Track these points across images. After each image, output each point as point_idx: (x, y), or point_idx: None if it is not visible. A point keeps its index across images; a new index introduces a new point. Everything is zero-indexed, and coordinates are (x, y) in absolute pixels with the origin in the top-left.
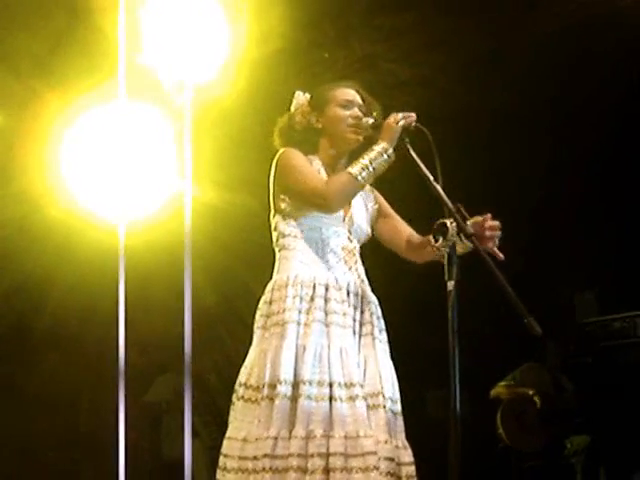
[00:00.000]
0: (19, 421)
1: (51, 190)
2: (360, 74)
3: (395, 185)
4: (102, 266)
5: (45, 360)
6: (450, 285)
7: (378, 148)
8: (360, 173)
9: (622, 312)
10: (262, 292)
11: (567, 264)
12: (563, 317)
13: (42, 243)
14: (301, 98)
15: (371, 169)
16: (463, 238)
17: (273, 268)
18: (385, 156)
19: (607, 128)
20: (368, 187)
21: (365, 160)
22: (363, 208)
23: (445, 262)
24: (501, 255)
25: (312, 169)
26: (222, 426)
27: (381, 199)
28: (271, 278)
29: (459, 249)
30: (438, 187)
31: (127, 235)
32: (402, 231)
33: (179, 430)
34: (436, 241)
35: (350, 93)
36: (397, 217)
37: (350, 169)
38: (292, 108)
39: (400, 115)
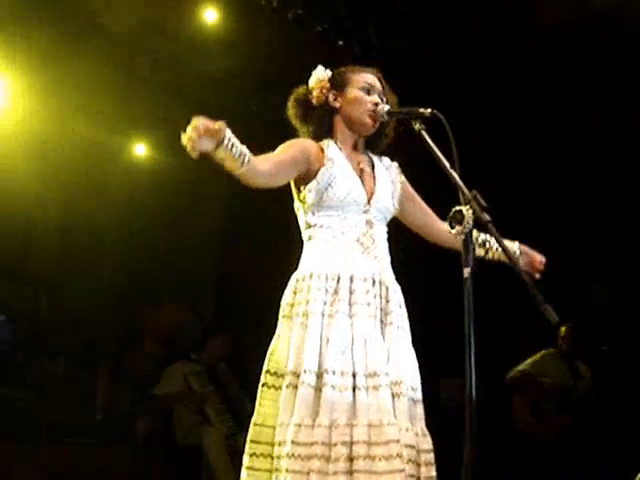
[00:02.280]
0: None
1: None
2: None
3: (410, 172)
4: None
5: None
6: (466, 272)
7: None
8: (230, 169)
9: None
10: (287, 281)
11: (585, 252)
12: (580, 304)
13: None
14: (322, 74)
15: (233, 162)
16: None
17: (299, 258)
18: (218, 153)
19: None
20: (394, 165)
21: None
22: (389, 183)
23: (462, 249)
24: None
25: (281, 155)
26: (235, 414)
27: (405, 183)
28: (297, 268)
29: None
30: (454, 174)
31: None
32: (429, 215)
33: (192, 419)
34: (452, 228)
35: (372, 78)
36: (419, 199)
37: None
38: (311, 82)
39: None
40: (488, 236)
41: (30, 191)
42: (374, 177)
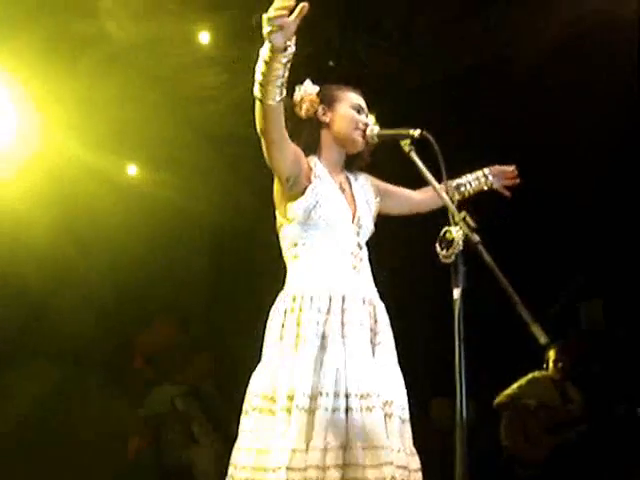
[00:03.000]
0: None
1: None
2: None
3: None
4: None
5: None
6: (456, 293)
7: (263, 57)
8: (264, 95)
9: (628, 321)
10: (273, 301)
11: (573, 272)
12: (570, 325)
13: None
14: (311, 87)
15: (274, 83)
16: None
17: (284, 277)
18: (276, 62)
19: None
20: (364, 177)
21: (258, 76)
22: (366, 205)
23: (452, 270)
24: (508, 193)
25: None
26: (222, 434)
27: (377, 183)
28: (282, 286)
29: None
30: (444, 194)
31: None
32: (408, 196)
33: (179, 439)
34: (442, 249)
35: (361, 99)
36: (395, 188)
37: (254, 90)
38: (298, 96)
39: (275, 12)
40: (459, 179)
41: (19, 208)
42: (353, 197)
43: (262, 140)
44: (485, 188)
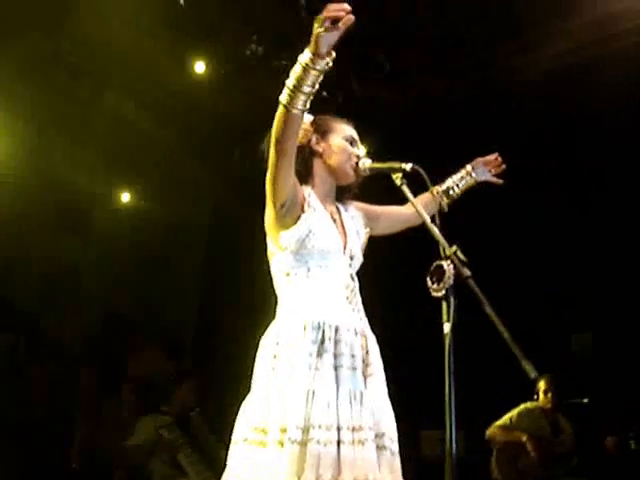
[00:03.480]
0: None
1: None
2: None
3: None
4: None
5: None
6: (447, 327)
7: (303, 61)
8: (291, 100)
9: (617, 353)
10: (264, 331)
11: (564, 305)
12: (560, 358)
13: None
14: (305, 116)
15: (304, 90)
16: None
17: (275, 306)
18: (313, 70)
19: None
20: (353, 207)
21: (291, 81)
22: (356, 236)
23: (443, 304)
24: (499, 181)
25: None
26: (210, 463)
27: (367, 209)
28: (273, 316)
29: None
30: (435, 228)
31: None
32: (398, 213)
33: (166, 469)
34: (432, 283)
35: (354, 132)
36: (383, 208)
37: (281, 97)
38: None
39: (327, 12)
40: (446, 183)
41: (11, 230)
42: (344, 228)
43: (272, 154)
44: (474, 183)
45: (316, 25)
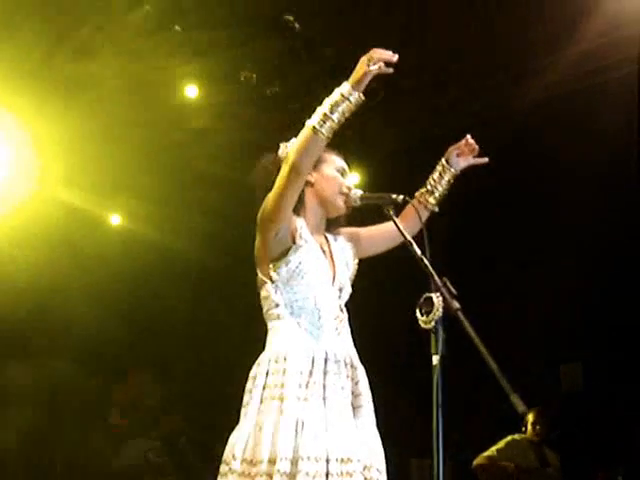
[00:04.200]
0: None
1: None
2: None
3: (381, 255)
4: None
5: None
6: (435, 359)
7: (342, 90)
8: (321, 124)
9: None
10: (253, 362)
11: (552, 335)
12: (548, 389)
13: None
14: None
15: (334, 118)
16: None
17: (265, 337)
18: (348, 101)
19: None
20: (343, 237)
21: (325, 107)
22: (345, 268)
23: (431, 336)
24: (482, 160)
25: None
26: None
27: (357, 234)
28: (263, 348)
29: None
30: (425, 260)
31: None
32: (384, 231)
33: None
34: (422, 315)
35: (344, 163)
36: (377, 228)
37: (309, 121)
38: (282, 153)
39: (377, 54)
40: (427, 187)
41: (4, 249)
42: (333, 259)
43: (285, 174)
44: (455, 175)
45: (366, 62)
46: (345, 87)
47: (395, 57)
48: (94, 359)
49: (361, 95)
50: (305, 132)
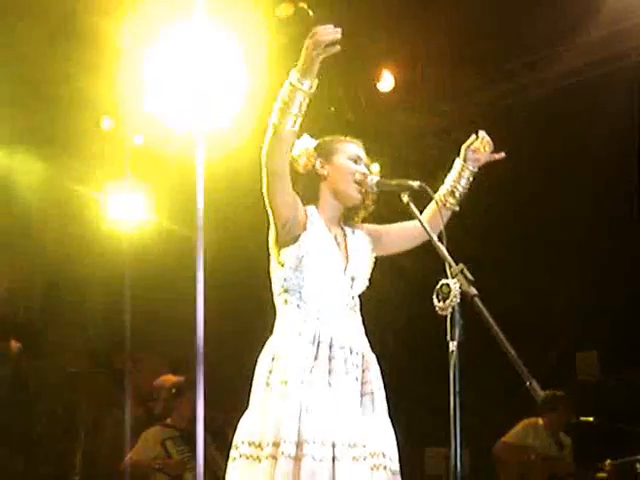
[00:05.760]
0: None
1: None
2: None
3: None
4: None
5: None
6: (452, 345)
7: (291, 80)
8: (281, 121)
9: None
10: (261, 346)
11: (569, 323)
12: (564, 375)
13: None
14: (309, 142)
15: (292, 111)
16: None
17: (274, 321)
18: (301, 90)
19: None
20: (362, 232)
21: (279, 102)
22: (361, 260)
23: (448, 322)
24: (498, 155)
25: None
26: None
27: (377, 231)
28: (271, 332)
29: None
30: (442, 247)
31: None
32: (406, 229)
33: None
34: (439, 301)
35: (359, 149)
36: (397, 226)
37: (270, 119)
38: (296, 151)
39: (321, 36)
40: (447, 187)
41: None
42: (347, 250)
43: (265, 175)
44: (473, 172)
45: (312, 46)
46: (294, 76)
47: (338, 33)
48: (106, 349)
49: (314, 81)
50: (269, 132)
